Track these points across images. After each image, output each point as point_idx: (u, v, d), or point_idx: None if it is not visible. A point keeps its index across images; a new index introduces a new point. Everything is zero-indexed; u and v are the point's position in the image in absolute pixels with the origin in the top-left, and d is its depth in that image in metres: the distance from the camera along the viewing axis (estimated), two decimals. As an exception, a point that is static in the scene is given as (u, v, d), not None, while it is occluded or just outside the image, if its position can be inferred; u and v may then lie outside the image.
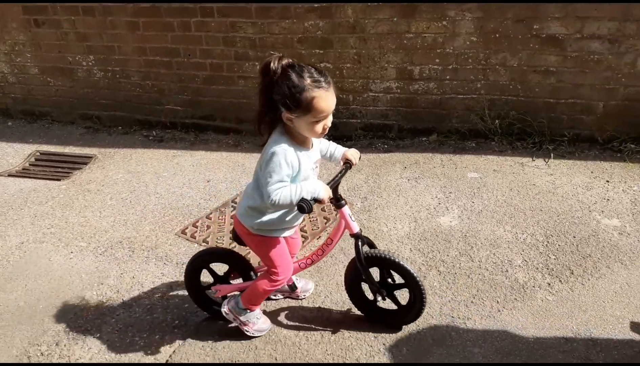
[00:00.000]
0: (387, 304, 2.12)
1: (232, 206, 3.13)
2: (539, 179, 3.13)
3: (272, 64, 1.64)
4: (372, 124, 3.93)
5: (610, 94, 3.37)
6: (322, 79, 1.64)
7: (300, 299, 2.35)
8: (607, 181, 3.04)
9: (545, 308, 2.18)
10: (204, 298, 2.27)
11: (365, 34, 3.64)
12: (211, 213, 3.08)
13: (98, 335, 2.22)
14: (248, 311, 2.09)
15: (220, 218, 3.02)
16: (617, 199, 2.87)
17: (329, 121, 1.71)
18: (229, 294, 2.22)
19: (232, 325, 2.15)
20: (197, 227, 2.95)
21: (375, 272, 2.05)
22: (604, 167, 3.19)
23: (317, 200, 1.73)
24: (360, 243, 1.98)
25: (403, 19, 3.53)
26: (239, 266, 2.16)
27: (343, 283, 2.19)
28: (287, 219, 1.91)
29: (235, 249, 2.31)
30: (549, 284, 2.31)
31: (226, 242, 2.79)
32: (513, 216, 2.81)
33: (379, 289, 2.06)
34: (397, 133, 3.88)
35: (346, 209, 1.96)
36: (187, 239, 2.85)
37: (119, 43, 4.17)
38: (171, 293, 2.47)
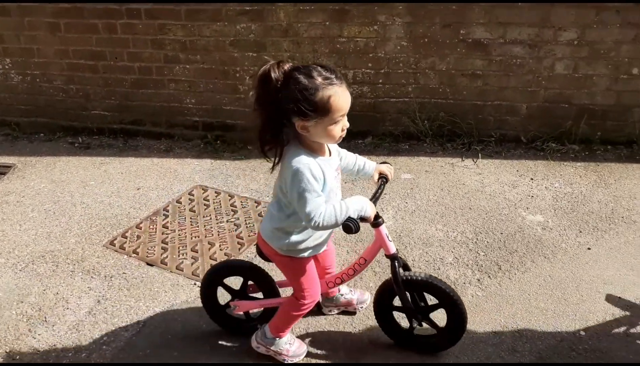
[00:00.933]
0: (421, 330, 2.00)
1: (163, 214, 3.02)
2: (468, 179, 3.24)
3: (272, 72, 1.47)
4: (307, 127, 3.91)
5: (532, 96, 3.55)
6: (332, 76, 1.49)
7: (358, 311, 2.22)
8: (532, 179, 3.20)
9: (476, 303, 2.25)
10: (223, 315, 2.14)
11: (299, 38, 3.63)
12: (141, 223, 2.95)
13: (17, 358, 2.06)
14: (277, 339, 1.96)
15: (151, 227, 2.90)
16: (541, 195, 3.03)
17: (346, 122, 1.57)
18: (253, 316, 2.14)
19: (263, 352, 2.02)
20: (126, 237, 2.81)
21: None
22: (529, 165, 3.36)
23: (363, 218, 1.63)
24: (397, 265, 1.82)
25: (335, 23, 3.55)
26: (258, 279, 2.05)
27: (372, 309, 2.04)
28: (319, 236, 1.78)
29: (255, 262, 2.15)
30: (479, 280, 2.39)
31: (157, 252, 2.68)
32: (444, 215, 2.89)
33: (416, 314, 1.92)
34: (333, 136, 3.89)
35: (383, 228, 1.80)
36: (116, 251, 2.72)
37: (39, 45, 3.92)
38: (99, 307, 2.34)
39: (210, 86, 3.88)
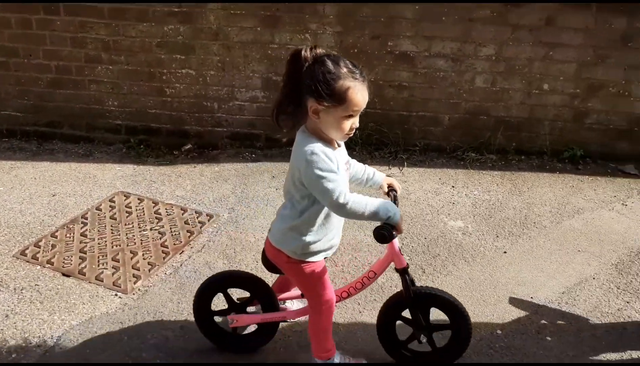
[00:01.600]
0: (422, 347, 1.95)
1: (82, 222, 2.84)
2: (396, 186, 3.34)
3: (303, 52, 1.50)
4: (239, 133, 3.87)
5: (454, 108, 3.72)
6: (357, 71, 1.52)
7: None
8: (453, 187, 3.35)
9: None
10: (210, 324, 2.03)
11: (229, 42, 3.58)
12: (57, 231, 2.76)
13: None
14: (330, 359, 1.88)
15: (68, 235, 2.73)
16: (461, 202, 3.18)
17: (357, 121, 1.56)
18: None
19: None
20: (39, 247, 2.63)
21: (405, 313, 1.89)
22: (450, 174, 3.52)
23: (394, 226, 1.58)
24: (408, 279, 1.80)
25: (266, 29, 3.55)
26: (261, 294, 1.95)
27: (376, 325, 1.97)
28: (332, 236, 1.73)
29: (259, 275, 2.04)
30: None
31: (75, 262, 2.53)
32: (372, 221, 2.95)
33: (423, 331, 1.87)
34: (265, 142, 3.87)
35: (396, 241, 1.76)
36: (28, 261, 2.53)
37: (-60, 37, 3.60)
38: (7, 323, 2.16)
39: (135, 88, 3.73)
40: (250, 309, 2.02)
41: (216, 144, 3.87)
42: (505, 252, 2.73)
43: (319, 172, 1.50)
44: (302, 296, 2.00)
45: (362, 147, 3.75)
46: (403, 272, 1.80)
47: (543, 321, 2.27)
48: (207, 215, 2.95)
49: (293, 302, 2.15)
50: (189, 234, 2.78)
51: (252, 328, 2.07)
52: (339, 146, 1.67)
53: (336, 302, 1.91)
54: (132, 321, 2.19)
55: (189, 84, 3.72)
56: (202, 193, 3.22)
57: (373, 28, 3.50)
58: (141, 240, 2.72)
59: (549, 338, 2.18)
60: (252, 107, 3.79)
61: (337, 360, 1.92)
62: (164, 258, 2.58)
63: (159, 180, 3.35)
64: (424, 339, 1.89)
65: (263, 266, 1.91)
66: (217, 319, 2.07)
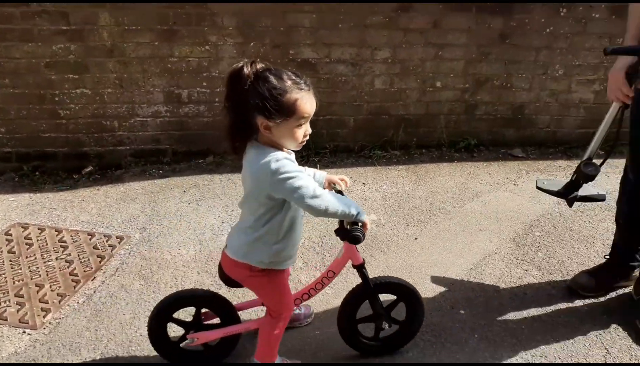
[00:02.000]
0: (384, 331, 2.03)
1: (-24, 260, 2.60)
2: (309, 188, 3.42)
3: (245, 69, 1.46)
4: (143, 150, 3.74)
5: (358, 110, 3.89)
6: (302, 81, 1.52)
7: (303, 325, 2.21)
8: (364, 183, 3.50)
9: (327, 301, 2.38)
10: (178, 352, 1.93)
11: (126, 58, 3.47)
12: (-54, 272, 2.50)
13: None
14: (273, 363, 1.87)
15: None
16: (373, 197, 3.32)
17: (309, 127, 1.57)
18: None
19: None
20: None
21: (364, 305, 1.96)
22: (360, 172, 3.66)
23: (363, 225, 1.63)
24: (366, 272, 1.87)
25: (164, 43, 3.48)
26: (216, 306, 1.90)
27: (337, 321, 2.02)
28: (296, 242, 1.73)
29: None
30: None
31: (-29, 303, 2.30)
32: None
33: (386, 315, 1.97)
34: (172, 157, 3.78)
35: None
36: None
37: None
38: None
39: (24, 112, 3.49)
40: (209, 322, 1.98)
41: (119, 164, 3.71)
42: (416, 238, 2.89)
43: (288, 174, 1.50)
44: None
45: (273, 154, 3.79)
46: (360, 267, 1.87)
47: (456, 297, 2.44)
48: (117, 238, 2.82)
49: None
50: (99, 259, 2.64)
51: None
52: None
53: (297, 305, 1.97)
54: (46, 357, 2.04)
55: (85, 104, 3.55)
56: (109, 215, 3.07)
57: (273, 37, 3.57)
58: (47, 271, 2.53)
59: (462, 311, 2.35)
60: (155, 122, 3.69)
61: (277, 361, 1.93)
62: (74, 287, 2.43)
63: (60, 207, 3.14)
64: (386, 325, 1.99)
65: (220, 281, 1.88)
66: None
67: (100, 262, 2.62)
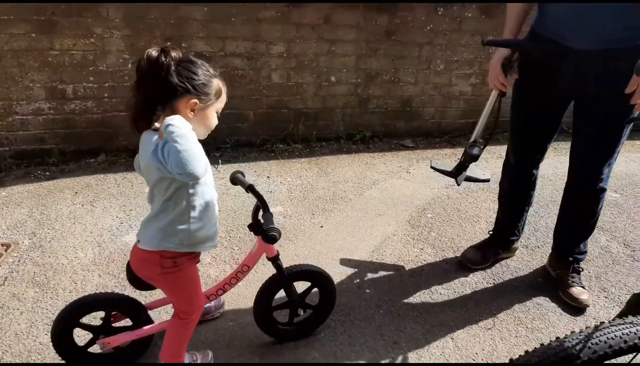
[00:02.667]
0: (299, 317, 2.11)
1: None
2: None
3: (161, 57, 1.45)
4: (25, 150, 3.43)
5: (257, 104, 3.91)
6: (217, 71, 1.62)
7: (215, 317, 2.20)
8: (268, 177, 3.53)
9: (237, 292, 2.38)
10: (86, 358, 1.85)
11: (-1, 51, 3.16)
12: None
13: None
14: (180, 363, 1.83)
15: None
16: (278, 190, 3.37)
17: (217, 119, 1.64)
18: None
19: None
20: None
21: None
22: (264, 166, 3.69)
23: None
24: (280, 263, 1.93)
25: (43, 35, 3.23)
26: (125, 308, 1.82)
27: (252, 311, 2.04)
28: (215, 222, 1.70)
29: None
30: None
31: None
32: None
33: (301, 302, 2.05)
34: (59, 157, 3.51)
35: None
36: None
37: None
38: None
39: None
40: (117, 324, 1.88)
41: (-1, 167, 3.38)
42: (322, 226, 3.00)
43: (174, 140, 1.39)
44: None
45: (171, 151, 3.68)
46: (275, 259, 1.93)
47: (361, 277, 2.58)
48: (3, 245, 2.57)
49: None
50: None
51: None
52: None
53: (212, 301, 1.98)
54: None
55: (-49, 102, 3.17)
56: (-10, 222, 2.79)
57: (164, 30, 3.46)
58: None
59: (367, 290, 2.49)
60: (37, 120, 3.41)
61: (186, 360, 1.89)
62: (-45, 301, 2.18)
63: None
64: (301, 311, 2.07)
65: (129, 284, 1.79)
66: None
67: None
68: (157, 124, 1.53)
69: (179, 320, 1.77)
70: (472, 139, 2.45)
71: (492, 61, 2.23)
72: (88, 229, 2.79)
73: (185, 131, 1.42)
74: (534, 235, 3.02)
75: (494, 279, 2.63)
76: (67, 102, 3.43)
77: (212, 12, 3.50)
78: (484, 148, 2.45)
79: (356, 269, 2.64)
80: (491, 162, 4.06)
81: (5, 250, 2.54)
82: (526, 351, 1.24)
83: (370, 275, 2.61)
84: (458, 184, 2.53)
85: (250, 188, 1.80)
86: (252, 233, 1.87)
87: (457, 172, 2.50)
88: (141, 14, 3.36)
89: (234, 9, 3.54)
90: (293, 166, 3.72)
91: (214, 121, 1.63)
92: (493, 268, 2.72)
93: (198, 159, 1.42)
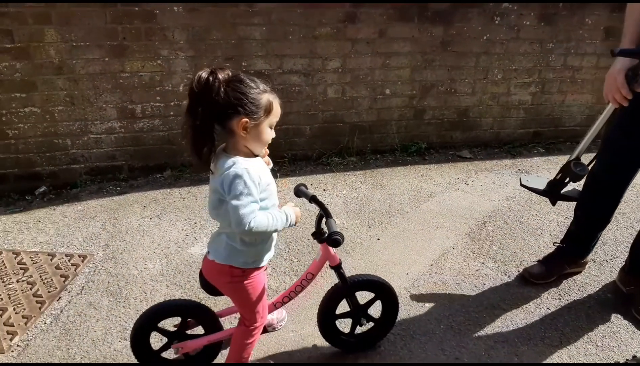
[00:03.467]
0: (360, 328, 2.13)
1: None
2: (271, 197, 3.47)
3: (210, 79, 1.48)
4: (98, 167, 3.67)
5: (313, 119, 3.99)
6: (269, 86, 1.61)
7: (277, 329, 2.25)
8: (324, 190, 3.59)
9: (298, 304, 2.43)
10: (159, 362, 1.95)
11: (76, 75, 3.40)
12: None
13: None
14: None
15: None
16: (334, 202, 3.42)
17: (274, 133, 1.66)
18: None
19: None
20: None
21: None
22: (320, 179, 3.75)
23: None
24: (343, 271, 1.95)
25: (115, 58, 3.44)
26: (199, 315, 1.92)
27: (317, 320, 2.10)
28: (274, 238, 1.80)
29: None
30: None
31: None
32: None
33: (364, 313, 2.07)
34: (129, 173, 3.73)
35: None
36: None
37: None
38: None
39: (-30, 133, 3.35)
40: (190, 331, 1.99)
41: (75, 182, 3.62)
42: (378, 239, 3.01)
43: (237, 195, 1.53)
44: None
45: (232, 165, 3.82)
46: (337, 268, 1.95)
47: (420, 291, 2.56)
48: (79, 256, 2.76)
49: None
50: (63, 279, 2.57)
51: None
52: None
53: (277, 308, 2.03)
54: (17, 379, 1.99)
55: (35, 123, 3.44)
56: (68, 234, 3.00)
57: (225, 50, 3.61)
58: (9, 294, 2.44)
59: (427, 305, 2.47)
60: (109, 139, 3.63)
61: None
62: (39, 308, 2.36)
63: (15, 229, 3.03)
64: (364, 321, 2.08)
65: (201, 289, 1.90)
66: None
67: (64, 282, 2.55)
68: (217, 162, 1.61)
69: (245, 327, 1.85)
70: (575, 155, 2.27)
71: (612, 71, 2.02)
72: (156, 241, 2.94)
73: (247, 185, 1.53)
74: (601, 248, 2.89)
75: (559, 295, 2.54)
76: (136, 121, 3.64)
77: (270, 31, 3.62)
78: (591, 163, 2.27)
79: (414, 283, 2.63)
80: (554, 173, 3.91)
81: (82, 261, 2.73)
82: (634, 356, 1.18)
83: (429, 289, 2.59)
84: (553, 204, 2.40)
85: (313, 198, 1.91)
86: (315, 240, 1.93)
87: (552, 191, 2.33)
88: (203, 35, 3.53)
89: (290, 28, 3.64)
90: (348, 179, 3.76)
91: (268, 136, 1.63)
92: (558, 282, 2.63)
93: (255, 213, 1.56)
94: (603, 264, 2.76)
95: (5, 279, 2.55)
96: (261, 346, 2.16)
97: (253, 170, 1.57)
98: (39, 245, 2.88)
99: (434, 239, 3.02)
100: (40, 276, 2.58)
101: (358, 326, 2.12)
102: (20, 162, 3.49)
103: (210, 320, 1.94)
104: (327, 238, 1.74)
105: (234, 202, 1.54)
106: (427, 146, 4.24)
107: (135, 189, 3.57)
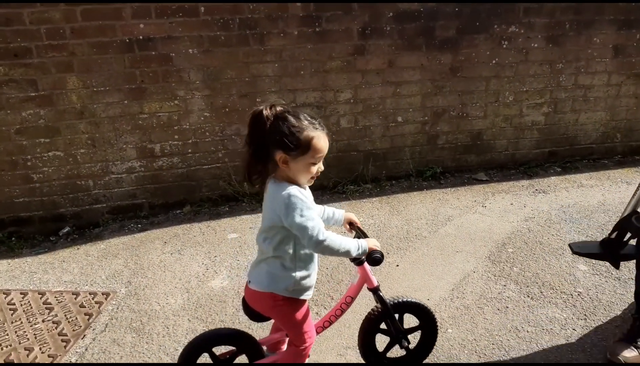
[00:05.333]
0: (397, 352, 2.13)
1: None
2: (289, 228, 3.50)
3: (265, 111, 1.60)
4: (120, 206, 3.76)
5: (328, 149, 4.03)
6: (316, 122, 1.66)
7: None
8: (340, 219, 3.60)
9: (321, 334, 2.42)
10: None
11: (97, 118, 3.53)
12: None
13: None
14: None
15: (-58, 350, 2.40)
16: (351, 231, 3.42)
17: (321, 166, 1.71)
18: None
19: None
20: None
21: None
22: (336, 207, 3.71)
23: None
24: (382, 294, 1.97)
25: (134, 101, 3.57)
26: (245, 345, 1.95)
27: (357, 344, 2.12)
28: (316, 270, 1.83)
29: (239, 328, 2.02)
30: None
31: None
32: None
33: (405, 336, 2.06)
34: (149, 210, 3.81)
35: (367, 265, 1.91)
36: None
37: None
38: None
39: (-4, 179, 3.47)
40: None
41: (97, 222, 3.71)
42: (397, 265, 3.00)
43: (299, 212, 1.61)
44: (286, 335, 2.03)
45: (250, 197, 3.87)
46: (376, 290, 1.98)
47: (442, 316, 2.53)
48: (103, 294, 2.81)
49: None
50: (87, 317, 2.62)
51: None
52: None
53: (318, 332, 2.03)
54: (44, 418, 2.00)
55: (58, 166, 3.56)
56: (92, 273, 3.06)
57: (239, 88, 3.71)
58: (34, 334, 2.49)
59: (450, 330, 2.44)
60: (130, 178, 3.73)
61: None
62: (65, 347, 2.39)
63: (40, 269, 3.11)
64: (405, 343, 2.07)
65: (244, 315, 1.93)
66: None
67: (88, 320, 2.59)
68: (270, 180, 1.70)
69: (295, 347, 1.88)
70: (630, 209, 2.10)
71: None
72: (177, 276, 2.98)
73: (304, 201, 1.61)
74: (626, 266, 2.83)
75: (584, 315, 2.49)
76: (156, 160, 3.74)
77: (282, 68, 3.72)
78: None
79: (436, 308, 2.60)
80: (572, 192, 3.89)
81: (106, 298, 2.78)
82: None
83: (451, 314, 2.56)
84: (617, 267, 2.27)
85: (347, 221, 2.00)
86: (353, 263, 1.95)
87: (612, 252, 2.17)
88: (218, 74, 3.65)
89: (302, 63, 3.74)
90: (364, 206, 3.77)
91: (312, 171, 1.68)
92: (583, 302, 2.58)
93: (321, 225, 1.63)
94: (628, 282, 2.70)
95: (31, 319, 2.61)
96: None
97: (302, 192, 1.66)
98: (63, 284, 2.94)
99: (453, 263, 3.00)
100: (65, 315, 2.63)
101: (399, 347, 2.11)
102: (44, 204, 3.60)
103: (254, 348, 1.97)
104: (368, 256, 1.77)
105: (298, 219, 1.61)
106: (443, 170, 4.25)
107: (156, 226, 3.63)
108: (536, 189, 3.96)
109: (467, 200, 3.81)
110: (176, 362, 1.95)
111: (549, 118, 4.30)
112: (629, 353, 2.13)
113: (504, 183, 4.09)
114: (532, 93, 4.19)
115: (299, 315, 1.82)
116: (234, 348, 1.98)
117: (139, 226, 3.65)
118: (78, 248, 3.37)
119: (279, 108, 1.65)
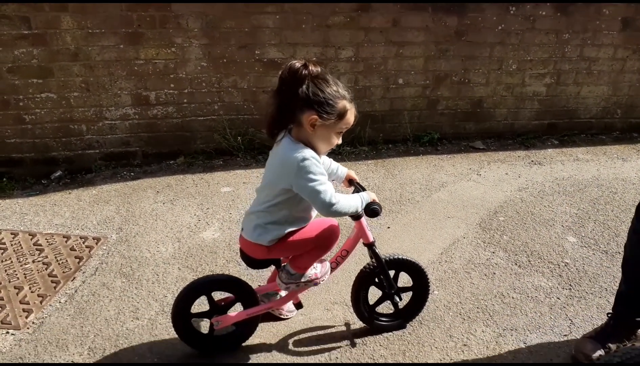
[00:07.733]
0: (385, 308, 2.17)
1: None
2: (282, 185, 3.49)
3: (302, 70, 1.54)
4: (113, 152, 3.72)
5: (324, 107, 3.98)
6: (351, 95, 1.66)
7: (285, 319, 2.23)
8: (334, 180, 3.59)
9: (308, 296, 2.45)
10: (189, 329, 1.98)
11: (91, 61, 3.45)
12: None
13: None
14: (303, 273, 1.92)
15: None
16: (345, 191, 3.42)
17: (340, 139, 1.69)
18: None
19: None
20: None
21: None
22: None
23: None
24: (377, 250, 1.97)
25: (130, 45, 3.48)
26: (243, 293, 1.98)
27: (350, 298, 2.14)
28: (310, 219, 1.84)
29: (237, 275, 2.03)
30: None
31: (-54, 311, 2.24)
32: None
33: (398, 292, 2.08)
34: (143, 159, 3.78)
35: (364, 220, 1.90)
36: None
37: None
38: None
39: (-13, 118, 3.41)
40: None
41: (89, 167, 3.68)
42: (389, 227, 3.01)
43: (312, 176, 1.60)
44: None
45: (245, 153, 3.84)
46: (371, 246, 1.98)
47: (430, 279, 2.56)
48: (94, 239, 2.81)
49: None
50: (77, 260, 2.62)
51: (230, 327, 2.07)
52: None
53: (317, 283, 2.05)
54: (33, 354, 2.03)
55: (51, 109, 3.50)
56: (83, 217, 3.05)
57: (239, 39, 3.62)
58: (24, 274, 2.50)
59: (436, 292, 2.47)
60: (124, 125, 3.68)
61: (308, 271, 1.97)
62: (54, 288, 2.41)
63: (31, 211, 3.09)
64: (397, 299, 2.10)
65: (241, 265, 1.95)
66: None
67: (78, 263, 2.60)
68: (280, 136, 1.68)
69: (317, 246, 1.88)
70: None
71: None
72: (168, 225, 2.98)
73: (318, 166, 1.59)
74: (614, 240, 2.87)
75: (570, 285, 2.53)
76: (150, 108, 3.68)
77: (283, 20, 3.62)
78: None
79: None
80: (567, 165, 3.89)
81: (96, 243, 2.78)
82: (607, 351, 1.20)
83: (438, 277, 2.59)
84: None
85: (346, 178, 2.01)
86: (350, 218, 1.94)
87: None
88: (217, 23, 3.54)
89: (304, 16, 3.64)
90: (360, 168, 3.76)
91: (334, 141, 1.67)
92: (569, 272, 2.61)
93: (333, 190, 1.63)
94: (615, 256, 2.74)
95: (21, 259, 2.61)
96: (270, 329, 2.19)
97: (317, 157, 1.63)
98: (54, 227, 2.94)
99: (444, 228, 3.02)
100: (56, 257, 2.63)
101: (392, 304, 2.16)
102: (37, 146, 3.56)
103: (250, 296, 1.99)
104: (365, 207, 1.77)
105: (311, 185, 1.60)
106: (440, 136, 4.23)
107: (149, 175, 3.61)
108: (532, 161, 3.95)
109: (463, 167, 3.80)
110: (172, 303, 1.97)
111: (550, 89, 4.26)
112: (596, 355, 2.01)
113: (500, 153, 4.08)
114: (536, 63, 4.12)
115: (298, 238, 1.80)
116: (231, 295, 2.00)
117: (132, 174, 3.63)
118: (70, 193, 3.35)
119: (317, 68, 1.59)
